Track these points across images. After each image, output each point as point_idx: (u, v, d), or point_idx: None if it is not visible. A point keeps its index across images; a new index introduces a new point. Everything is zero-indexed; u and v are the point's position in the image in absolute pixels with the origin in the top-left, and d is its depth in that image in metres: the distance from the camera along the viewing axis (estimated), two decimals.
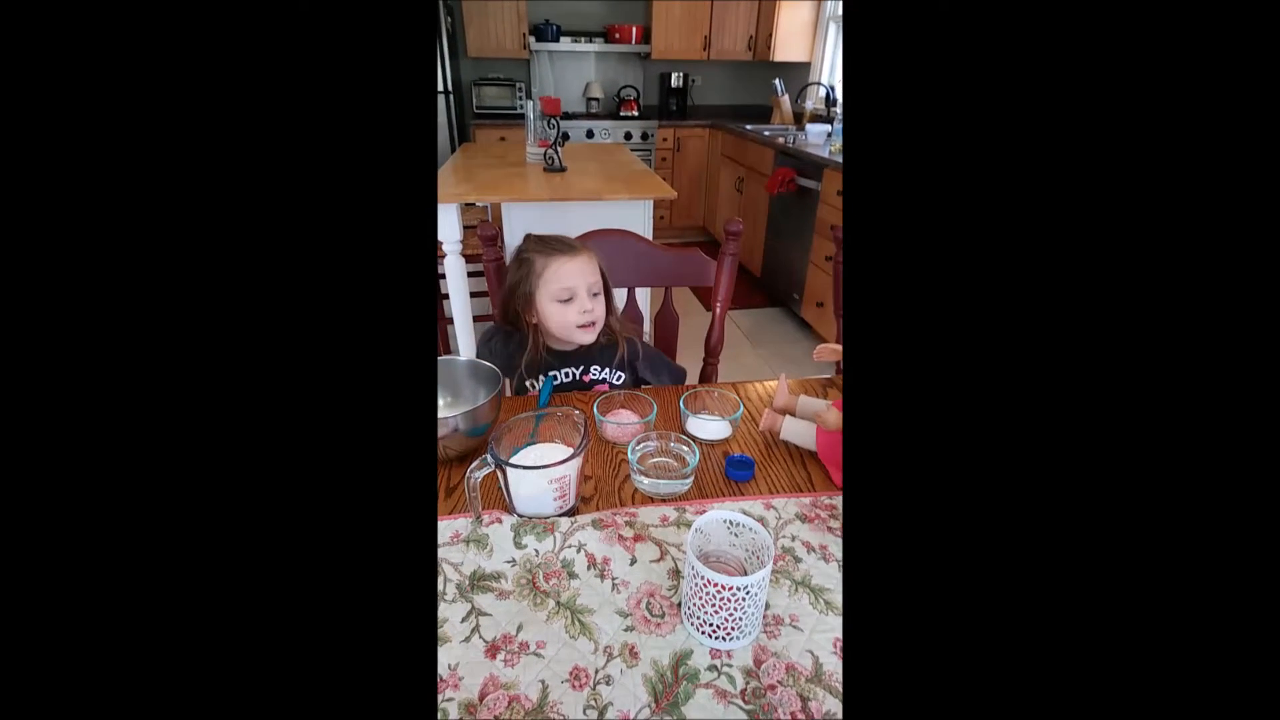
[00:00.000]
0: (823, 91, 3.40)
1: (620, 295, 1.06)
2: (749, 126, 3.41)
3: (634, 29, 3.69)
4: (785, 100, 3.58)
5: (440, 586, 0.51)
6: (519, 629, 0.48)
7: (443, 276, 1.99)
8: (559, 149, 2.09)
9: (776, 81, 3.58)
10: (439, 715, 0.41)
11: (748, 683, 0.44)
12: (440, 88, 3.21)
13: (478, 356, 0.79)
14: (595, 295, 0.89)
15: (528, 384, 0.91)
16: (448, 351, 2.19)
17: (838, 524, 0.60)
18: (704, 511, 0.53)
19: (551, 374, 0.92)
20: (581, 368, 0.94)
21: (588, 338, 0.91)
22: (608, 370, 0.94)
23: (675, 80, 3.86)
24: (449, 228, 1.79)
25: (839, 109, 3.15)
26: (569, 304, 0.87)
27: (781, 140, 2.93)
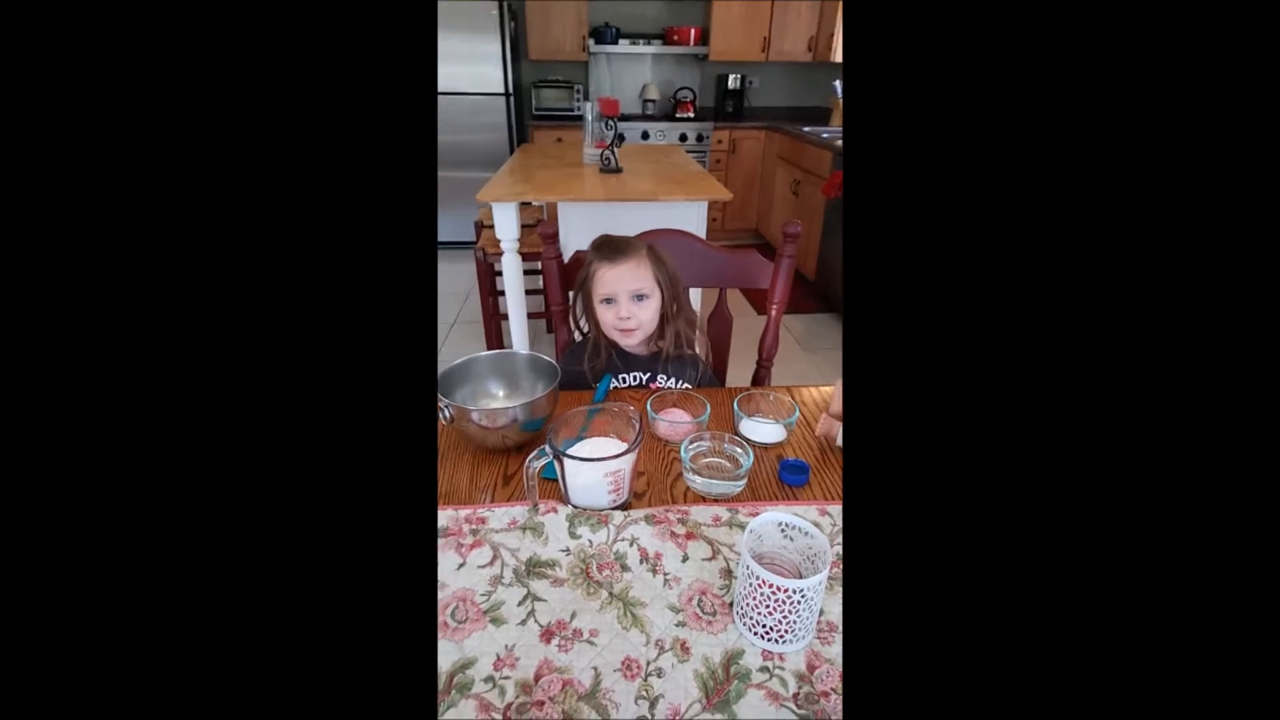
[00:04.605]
0: None
1: None
2: (807, 128, 3.35)
3: (692, 30, 3.69)
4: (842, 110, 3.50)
5: (498, 571, 0.53)
6: (573, 616, 0.49)
7: (499, 273, 2.04)
8: (615, 150, 2.12)
9: (836, 83, 3.51)
10: (497, 690, 0.43)
11: (800, 687, 0.43)
12: (501, 90, 3.30)
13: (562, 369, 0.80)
14: (641, 299, 0.89)
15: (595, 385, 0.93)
16: (501, 346, 2.24)
17: None
18: (757, 513, 0.53)
19: (620, 375, 0.93)
20: (649, 374, 0.94)
21: (629, 341, 0.92)
22: (674, 381, 0.94)
23: (732, 82, 3.83)
24: (507, 226, 1.83)
25: None
26: (610, 306, 0.90)
27: (840, 143, 2.87)
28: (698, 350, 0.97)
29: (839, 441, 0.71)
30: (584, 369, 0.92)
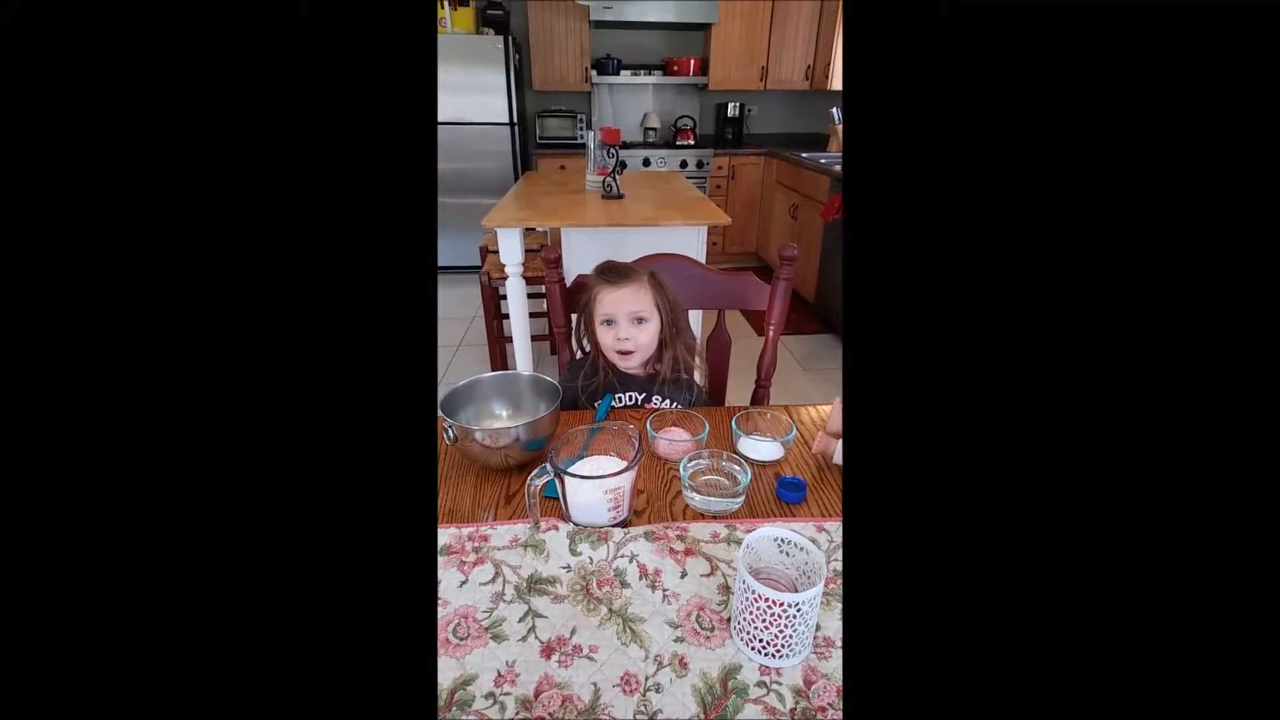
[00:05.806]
0: None
1: None
2: (805, 154, 3.42)
3: (692, 61, 3.79)
4: (842, 128, 3.57)
5: (499, 588, 0.54)
6: (573, 632, 0.49)
7: (503, 297, 2.07)
8: (617, 177, 2.16)
9: (834, 110, 3.58)
10: (497, 706, 0.43)
11: (797, 702, 0.44)
12: (505, 120, 3.39)
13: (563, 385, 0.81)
14: (640, 323, 0.92)
15: (595, 405, 0.95)
16: (505, 368, 2.26)
17: None
18: (754, 530, 0.53)
19: (614, 395, 0.95)
20: (644, 394, 0.96)
21: (628, 363, 0.95)
22: (668, 402, 0.96)
23: (732, 110, 3.92)
24: (511, 251, 1.87)
25: None
26: (609, 327, 0.93)
27: (838, 168, 2.92)
28: (696, 377, 0.99)
29: (836, 459, 0.72)
30: (576, 385, 0.94)
